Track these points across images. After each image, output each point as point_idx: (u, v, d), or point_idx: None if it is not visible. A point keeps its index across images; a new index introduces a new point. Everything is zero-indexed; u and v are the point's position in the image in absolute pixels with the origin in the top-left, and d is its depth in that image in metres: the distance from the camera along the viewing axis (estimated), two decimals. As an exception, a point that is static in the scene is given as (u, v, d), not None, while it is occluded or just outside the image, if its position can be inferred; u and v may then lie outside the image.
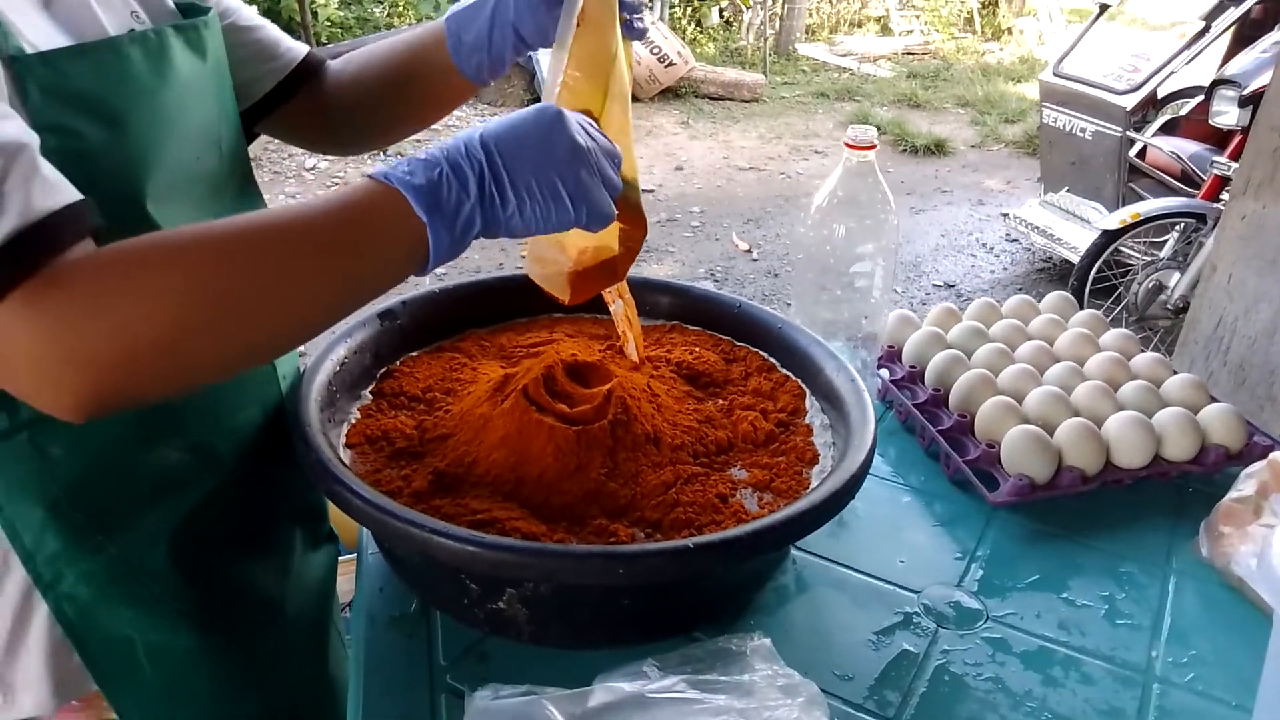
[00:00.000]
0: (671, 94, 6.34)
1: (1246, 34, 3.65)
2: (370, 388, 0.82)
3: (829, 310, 0.98)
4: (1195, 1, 3.56)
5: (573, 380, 0.77)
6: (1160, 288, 2.90)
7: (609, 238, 0.69)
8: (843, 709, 0.66)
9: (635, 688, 0.51)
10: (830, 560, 0.80)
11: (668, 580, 0.62)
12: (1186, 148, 3.47)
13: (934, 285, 3.79)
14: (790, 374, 0.87)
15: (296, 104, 0.78)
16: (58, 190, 0.47)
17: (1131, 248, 3.13)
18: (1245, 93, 2.72)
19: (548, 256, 0.72)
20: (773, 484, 0.72)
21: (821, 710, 0.56)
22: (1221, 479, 0.90)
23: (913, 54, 8.41)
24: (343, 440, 0.75)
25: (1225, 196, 2.89)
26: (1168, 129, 3.67)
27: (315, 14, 5.83)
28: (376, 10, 6.59)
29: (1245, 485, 0.78)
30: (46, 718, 0.65)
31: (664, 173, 4.98)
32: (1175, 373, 0.97)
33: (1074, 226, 3.49)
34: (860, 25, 9.20)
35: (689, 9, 7.76)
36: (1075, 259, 3.30)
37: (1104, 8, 3.78)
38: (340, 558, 0.91)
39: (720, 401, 0.82)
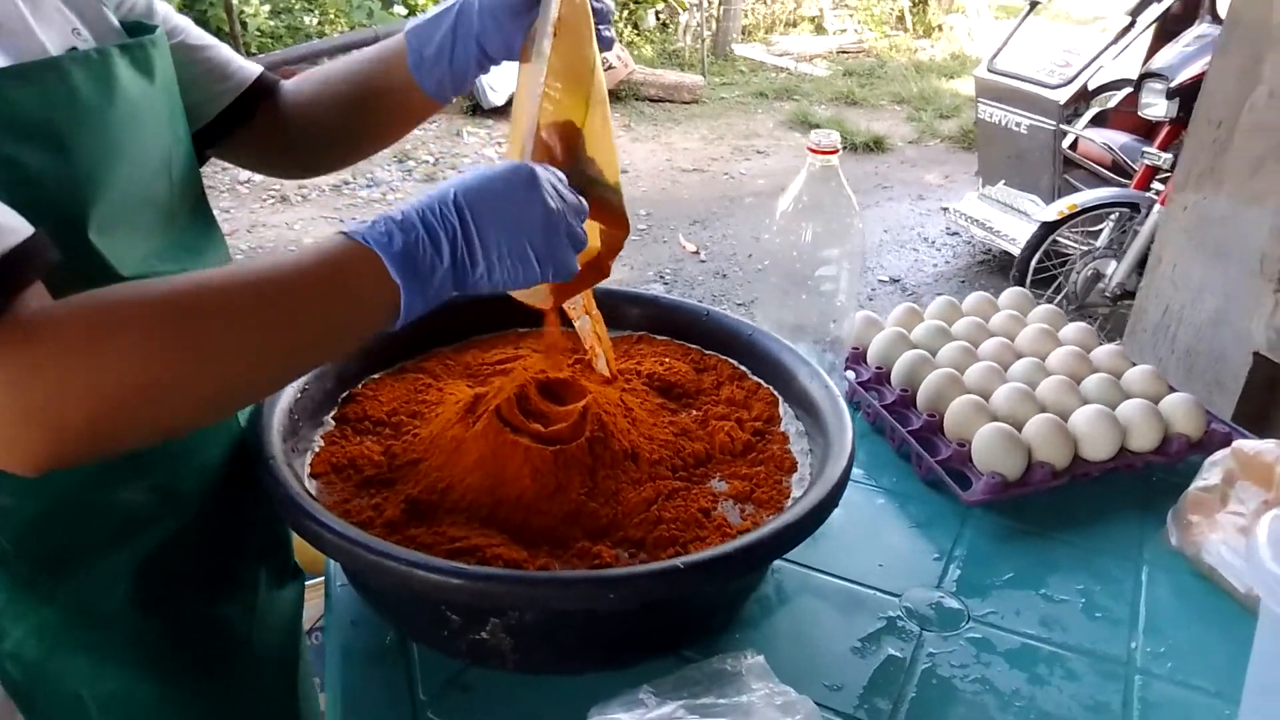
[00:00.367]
0: (612, 97, 6.32)
1: (1168, 29, 3.77)
2: (333, 413, 0.79)
3: (795, 314, 0.98)
4: (1119, -3, 3.67)
5: (545, 398, 0.75)
6: (1098, 276, 2.98)
7: (592, 238, 0.68)
8: (834, 720, 0.65)
9: (634, 718, 0.50)
10: (809, 568, 0.79)
11: (658, 601, 0.61)
12: (1116, 139, 3.57)
13: (879, 280, 3.84)
14: (762, 381, 0.86)
15: (251, 125, 0.75)
16: (10, 226, 0.44)
17: (1068, 238, 3.20)
18: (1172, 85, 2.80)
19: None
20: (754, 495, 0.71)
21: (819, 727, 0.55)
22: (1184, 468, 0.91)
23: (847, 53, 8.53)
24: (307, 470, 0.72)
25: (1156, 185, 2.98)
26: (1096, 121, 3.77)
27: (244, 24, 5.69)
28: (307, 19, 6.47)
29: (1211, 474, 0.79)
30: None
31: (608, 176, 4.96)
32: (1134, 364, 0.99)
33: (1012, 219, 3.56)
34: (795, 25, 9.30)
35: (625, 12, 7.76)
36: (1014, 250, 3.37)
37: (1034, 4, 3.87)
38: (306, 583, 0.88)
39: (694, 412, 0.81)
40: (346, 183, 4.48)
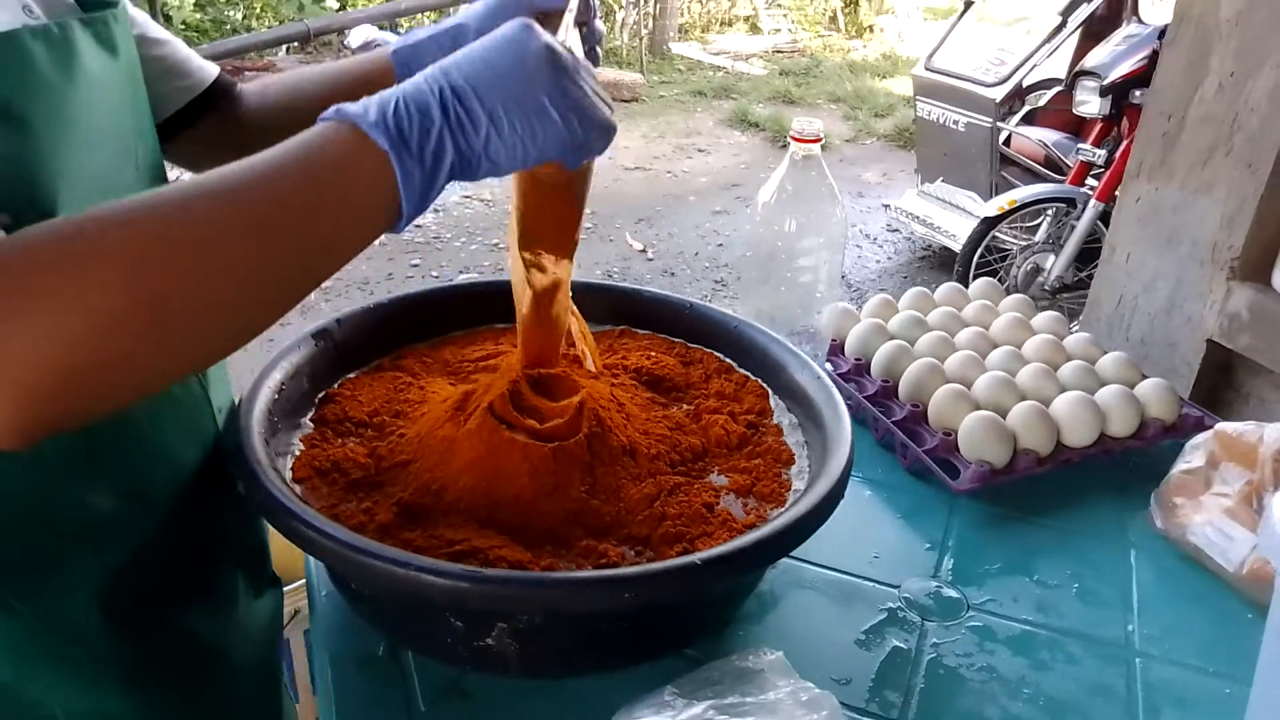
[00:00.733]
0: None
1: (1093, 29, 3.90)
2: (310, 415, 0.75)
3: (774, 305, 0.97)
4: (1049, -2, 3.77)
5: (538, 393, 0.73)
6: (1038, 270, 3.06)
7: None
8: (848, 715, 0.64)
9: (665, 720, 0.48)
10: (805, 561, 0.78)
11: (675, 599, 0.59)
12: (1049, 136, 3.67)
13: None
14: (750, 374, 0.85)
15: (208, 126, 0.71)
16: None
17: (1007, 233, 3.28)
18: (1105, 83, 2.89)
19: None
20: (755, 488, 0.69)
21: (842, 721, 0.54)
22: (1157, 452, 0.93)
23: (782, 52, 8.63)
24: (289, 475, 0.68)
25: (1091, 181, 3.07)
26: (1027, 120, 3.88)
27: (169, 17, 5.49)
28: (233, 13, 6.28)
29: (1194, 457, 0.80)
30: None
31: (550, 174, 4.92)
32: (1105, 352, 1.01)
33: (952, 215, 3.64)
34: (730, 24, 9.37)
35: (562, 9, 7.71)
36: (955, 246, 3.44)
37: (969, 4, 3.96)
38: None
39: (686, 406, 0.79)
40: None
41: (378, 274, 3.66)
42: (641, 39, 7.53)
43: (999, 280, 3.20)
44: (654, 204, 4.60)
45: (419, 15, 5.09)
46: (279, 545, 0.78)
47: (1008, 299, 1.10)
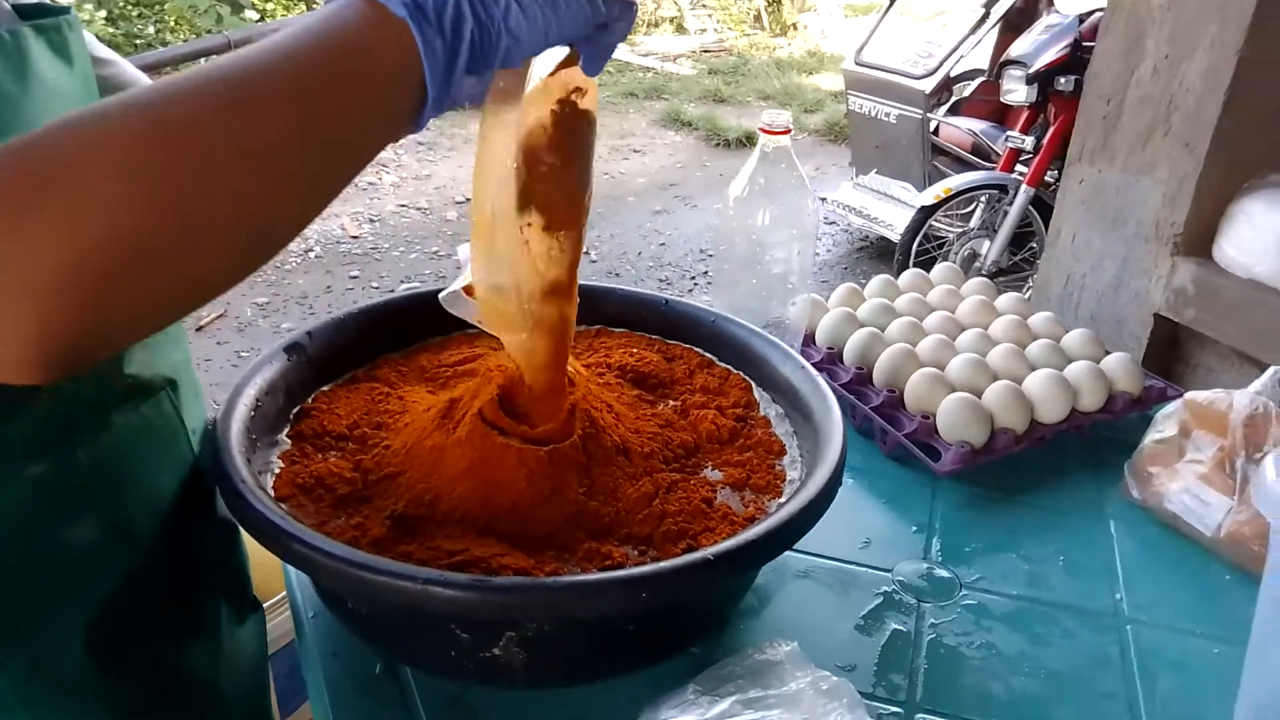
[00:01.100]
0: (482, 100, 6.21)
1: (1012, 21, 4.01)
2: (286, 431, 0.73)
3: (747, 299, 0.97)
4: (969, -9, 3.87)
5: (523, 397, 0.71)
6: (974, 255, 3.13)
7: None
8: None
9: (695, 718, 0.47)
10: (798, 551, 0.78)
11: (691, 597, 0.58)
12: (977, 125, 3.76)
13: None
14: (731, 368, 0.85)
15: None
16: None
17: (942, 221, 3.36)
18: (1031, 71, 2.97)
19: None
20: (750, 481, 0.69)
21: (862, 710, 0.54)
22: (1125, 424, 0.96)
23: (710, 51, 8.70)
24: (270, 494, 0.66)
25: (1020, 168, 3.16)
26: (953, 110, 3.97)
27: (79, 31, 5.28)
28: (145, 27, 6.08)
29: (1166, 426, 0.83)
30: None
31: (487, 180, 4.87)
32: (1067, 330, 1.03)
33: (887, 205, 3.70)
34: (657, 25, 9.40)
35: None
36: (892, 236, 3.50)
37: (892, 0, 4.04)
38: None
39: (673, 403, 0.79)
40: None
41: (315, 288, 3.58)
42: (570, 42, 7.50)
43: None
44: (593, 206, 4.57)
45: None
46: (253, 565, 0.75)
47: (970, 282, 1.12)
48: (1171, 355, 1.35)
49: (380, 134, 0.44)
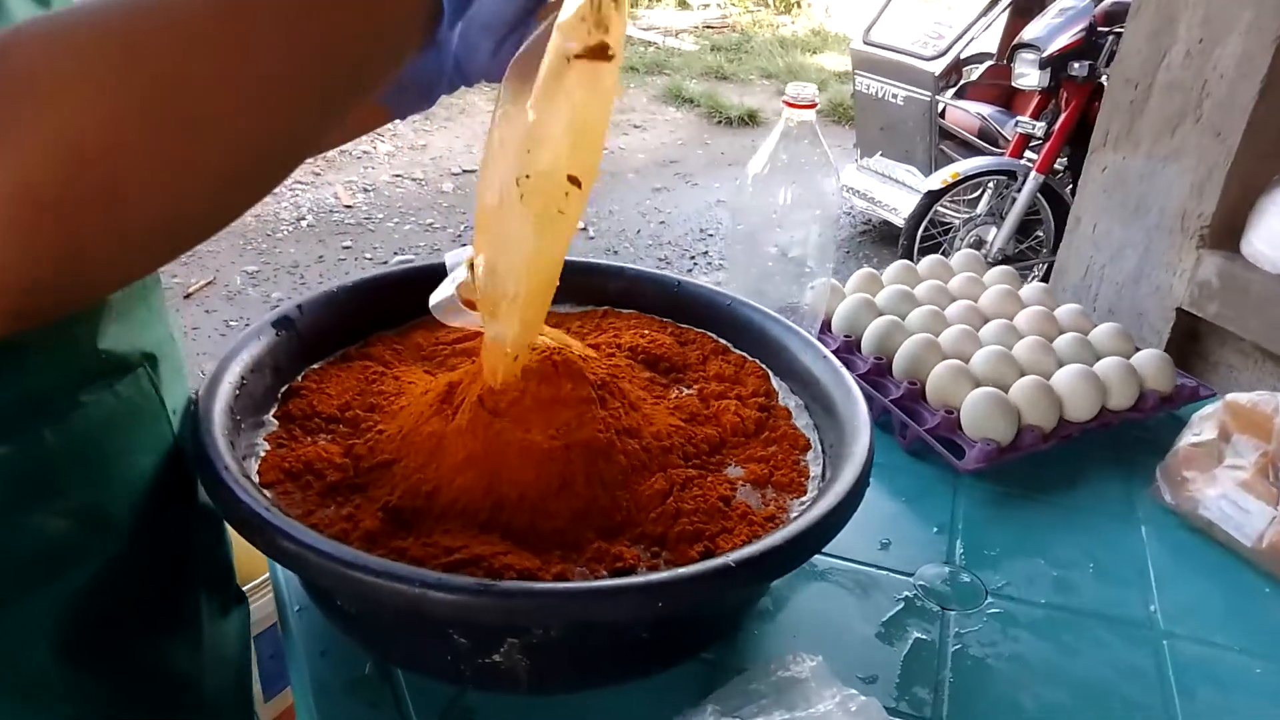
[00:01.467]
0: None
1: (1022, 4, 3.95)
2: (274, 411, 0.68)
3: (764, 282, 0.92)
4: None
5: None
6: (980, 242, 3.09)
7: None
8: (882, 716, 0.60)
9: (718, 744, 0.43)
10: (814, 551, 0.74)
11: (710, 606, 0.54)
12: (984, 109, 3.70)
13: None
14: (747, 355, 0.80)
15: None
16: None
17: (947, 206, 3.31)
18: (1045, 55, 2.92)
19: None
20: (773, 478, 0.65)
21: (891, 728, 0.50)
22: (1153, 423, 0.92)
23: (713, 27, 8.58)
24: (255, 479, 0.61)
25: (1030, 154, 3.11)
26: (959, 93, 3.91)
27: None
28: None
29: (1204, 429, 0.79)
30: None
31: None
32: (1095, 325, 0.99)
33: (892, 189, 3.65)
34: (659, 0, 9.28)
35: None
36: (896, 220, 3.45)
37: (904, -23, 3.96)
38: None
39: (688, 390, 0.74)
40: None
41: (307, 257, 3.52)
42: (571, 14, 7.39)
43: (942, 253, 3.24)
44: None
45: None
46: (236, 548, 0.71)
47: (993, 270, 1.07)
48: (1191, 351, 1.31)
49: (385, 51, 0.39)
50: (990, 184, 3.12)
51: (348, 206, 4.01)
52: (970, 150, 3.61)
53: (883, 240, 3.96)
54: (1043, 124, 3.02)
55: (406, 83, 0.57)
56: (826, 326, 1.00)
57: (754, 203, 0.86)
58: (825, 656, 0.64)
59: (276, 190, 0.39)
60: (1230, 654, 0.67)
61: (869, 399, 0.90)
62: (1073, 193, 3.09)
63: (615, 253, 3.72)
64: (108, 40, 0.32)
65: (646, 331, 0.80)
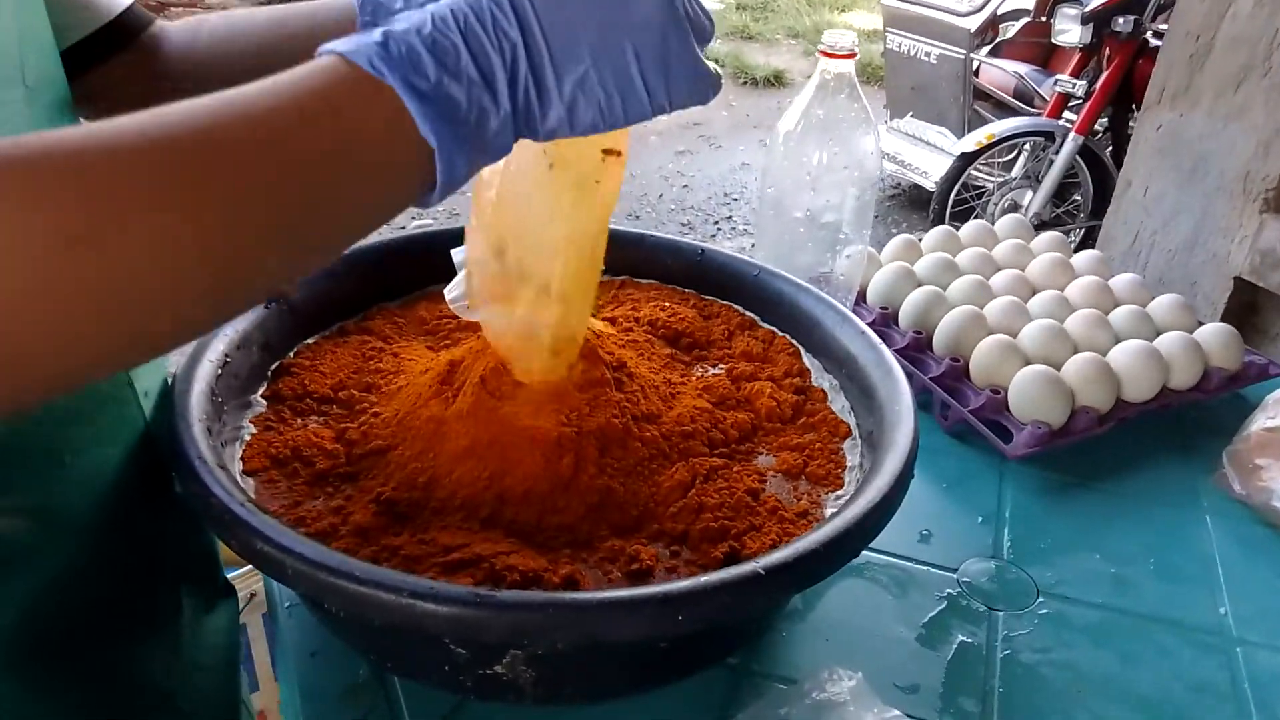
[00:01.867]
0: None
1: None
2: (263, 390, 0.63)
3: (796, 250, 0.86)
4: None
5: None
6: (1015, 206, 2.98)
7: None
8: (925, 733, 0.55)
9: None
10: (847, 542, 0.68)
11: (735, 617, 0.48)
12: (1021, 68, 3.56)
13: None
14: (776, 330, 0.74)
15: (121, 69, 0.57)
16: None
17: (981, 169, 3.19)
18: (1087, 10, 2.78)
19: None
20: (807, 469, 0.59)
21: (940, 757, 0.44)
22: (1218, 404, 0.85)
23: (739, -15, 8.37)
24: (239, 466, 0.56)
25: (1069, 115, 2.98)
26: (994, 51, 3.77)
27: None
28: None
29: (1277, 412, 0.71)
30: None
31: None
32: (1154, 296, 0.91)
33: (923, 151, 3.53)
34: (684, -43, 9.05)
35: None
36: (926, 183, 3.34)
37: (937, -69, 3.80)
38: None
39: (714, 370, 0.68)
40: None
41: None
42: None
43: (974, 218, 3.13)
44: (614, 145, 4.42)
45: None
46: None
47: (1041, 236, 1.00)
48: (1249, 324, 1.23)
49: (368, 222, 0.36)
50: (1026, 146, 3.00)
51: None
52: (1005, 111, 3.48)
53: (912, 205, 3.85)
54: (1083, 83, 2.89)
55: None
56: (861, 298, 0.93)
57: (785, 164, 0.79)
58: (861, 663, 0.58)
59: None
60: (1312, 665, 0.61)
61: (907, 376, 0.84)
62: (1113, 155, 2.98)
63: (636, 217, 3.64)
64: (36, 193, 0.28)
65: (667, 304, 0.73)
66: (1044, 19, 3.26)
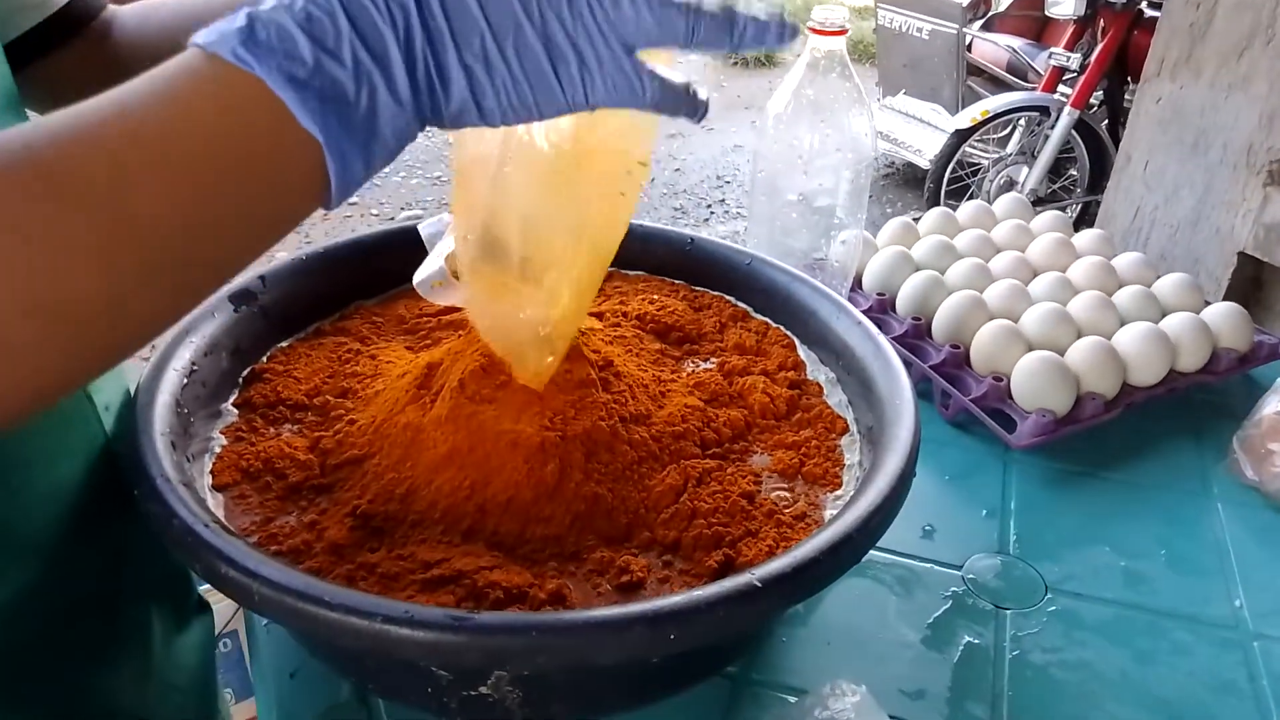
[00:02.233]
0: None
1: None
2: (234, 399, 0.60)
3: (789, 236, 0.83)
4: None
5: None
6: (1011, 183, 2.94)
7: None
8: (932, 742, 0.52)
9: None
10: (848, 540, 0.66)
11: (731, 632, 0.46)
12: (1014, 42, 3.52)
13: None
14: (770, 321, 0.71)
15: (69, 59, 0.54)
16: None
17: (975, 146, 3.15)
18: (1082, -18, 2.74)
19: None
20: (804, 468, 0.56)
21: (951, 775, 0.42)
22: (1227, 387, 0.82)
23: (727, -35, 8.28)
24: (208, 480, 0.53)
25: (1064, 89, 2.94)
26: (986, 25, 3.72)
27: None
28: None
29: (1292, 395, 0.69)
30: None
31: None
32: (1158, 275, 0.89)
33: (916, 129, 3.49)
34: (671, -63, 8.96)
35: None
36: (921, 162, 3.31)
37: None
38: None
39: (705, 365, 0.65)
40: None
41: (311, 215, 3.42)
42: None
43: (970, 196, 3.09)
44: (604, 129, 4.37)
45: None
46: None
47: (1041, 216, 0.97)
48: (1255, 300, 1.21)
49: (275, 227, 0.34)
50: (1021, 121, 2.96)
51: (354, 160, 3.89)
52: (999, 86, 3.44)
53: (906, 184, 3.81)
54: (1078, 56, 2.85)
55: None
56: (857, 284, 0.90)
57: (776, 146, 0.76)
58: (865, 670, 0.56)
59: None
60: (1333, 659, 0.58)
61: (906, 365, 0.81)
62: (1109, 129, 2.94)
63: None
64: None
65: (656, 297, 0.71)
66: (1037, -8, 3.21)
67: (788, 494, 0.55)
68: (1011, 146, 2.97)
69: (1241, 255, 1.17)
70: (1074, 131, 2.83)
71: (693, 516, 0.51)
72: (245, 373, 0.62)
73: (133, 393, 0.53)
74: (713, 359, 0.66)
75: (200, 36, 0.30)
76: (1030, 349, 0.75)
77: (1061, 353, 0.75)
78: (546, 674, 0.46)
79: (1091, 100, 2.87)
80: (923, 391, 0.81)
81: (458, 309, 0.69)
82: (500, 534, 0.50)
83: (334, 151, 0.31)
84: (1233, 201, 1.17)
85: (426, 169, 3.88)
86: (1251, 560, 0.66)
